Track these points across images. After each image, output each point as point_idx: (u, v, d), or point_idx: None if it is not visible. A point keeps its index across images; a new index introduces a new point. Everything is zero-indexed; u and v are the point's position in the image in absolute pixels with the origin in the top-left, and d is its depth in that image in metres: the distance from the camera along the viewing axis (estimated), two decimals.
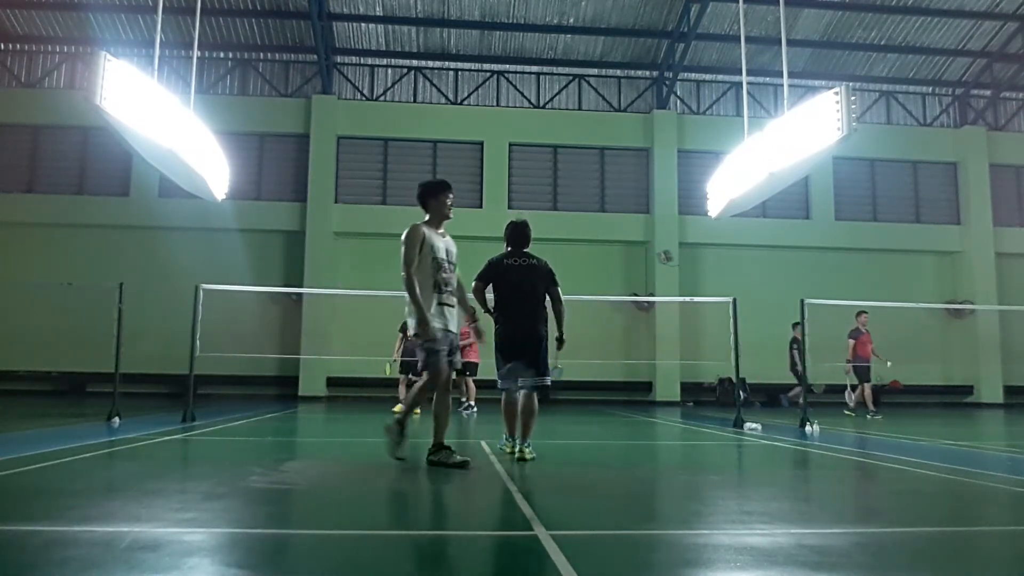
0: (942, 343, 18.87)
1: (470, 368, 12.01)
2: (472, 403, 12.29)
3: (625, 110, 19.42)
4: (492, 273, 5.72)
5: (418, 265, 5.03)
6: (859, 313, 13.11)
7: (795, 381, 13.50)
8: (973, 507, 4.12)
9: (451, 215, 5.34)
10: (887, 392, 17.90)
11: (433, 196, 5.28)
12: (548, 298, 5.73)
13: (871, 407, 12.83)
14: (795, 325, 13.19)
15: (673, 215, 18.46)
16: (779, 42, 9.73)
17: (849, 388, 13.34)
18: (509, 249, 5.84)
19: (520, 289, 5.63)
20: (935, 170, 19.84)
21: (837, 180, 19.08)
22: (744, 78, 10.83)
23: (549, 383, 5.60)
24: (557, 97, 19.36)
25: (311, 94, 18.50)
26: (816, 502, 4.24)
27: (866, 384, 12.92)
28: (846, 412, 12.90)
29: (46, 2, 17.65)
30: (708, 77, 19.65)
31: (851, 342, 12.95)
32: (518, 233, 5.82)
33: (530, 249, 5.87)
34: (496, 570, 2.69)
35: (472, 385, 12.38)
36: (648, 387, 18.15)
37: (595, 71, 19.50)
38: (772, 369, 14.84)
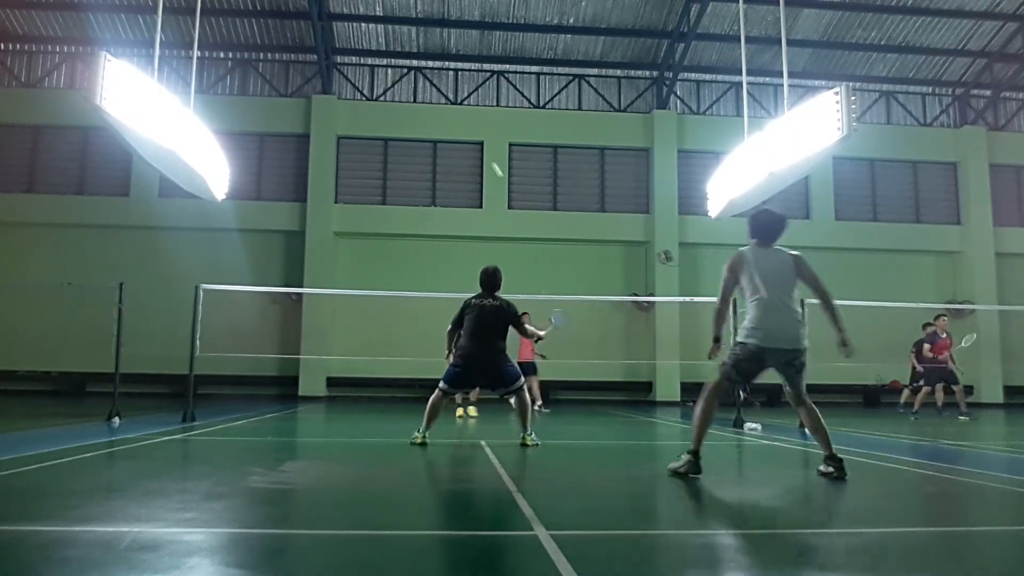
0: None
1: (530, 368, 12.17)
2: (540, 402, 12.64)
3: (625, 110, 19.42)
4: (462, 310, 6.65)
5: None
6: (938, 316, 12.93)
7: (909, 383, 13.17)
8: (973, 507, 4.12)
9: None
10: (887, 392, 17.91)
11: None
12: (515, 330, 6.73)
13: (916, 408, 12.63)
14: (926, 326, 13.15)
15: (673, 215, 18.45)
16: (779, 42, 9.74)
17: (910, 390, 13.17)
18: (480, 292, 6.73)
19: (478, 325, 6.49)
20: (935, 170, 19.83)
21: (837, 180, 19.07)
22: (744, 78, 10.83)
23: (522, 385, 6.56)
24: (557, 97, 19.35)
25: (311, 94, 18.50)
26: (816, 502, 4.24)
27: (928, 387, 12.67)
28: (960, 418, 12.03)
29: (46, 2, 17.64)
30: (708, 77, 19.64)
31: (927, 346, 12.69)
32: (485, 278, 6.74)
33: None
34: (496, 570, 2.69)
35: (535, 385, 12.37)
36: (648, 387, 18.15)
37: (595, 71, 19.50)
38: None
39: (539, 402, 12.63)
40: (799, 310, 4.93)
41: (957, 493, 4.57)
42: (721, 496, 4.32)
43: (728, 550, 2.85)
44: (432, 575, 2.61)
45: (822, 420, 4.80)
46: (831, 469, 4.66)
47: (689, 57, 18.62)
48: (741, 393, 10.57)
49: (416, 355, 12.25)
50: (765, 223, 5.42)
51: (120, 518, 3.25)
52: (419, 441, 6.41)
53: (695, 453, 4.64)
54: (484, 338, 6.48)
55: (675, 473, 4.64)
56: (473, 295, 6.74)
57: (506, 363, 6.54)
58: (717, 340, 5.06)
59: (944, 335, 12.79)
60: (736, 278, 5.09)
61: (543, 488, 4.15)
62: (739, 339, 4.88)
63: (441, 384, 6.56)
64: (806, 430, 5.16)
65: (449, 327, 6.70)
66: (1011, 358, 18.56)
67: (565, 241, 18.30)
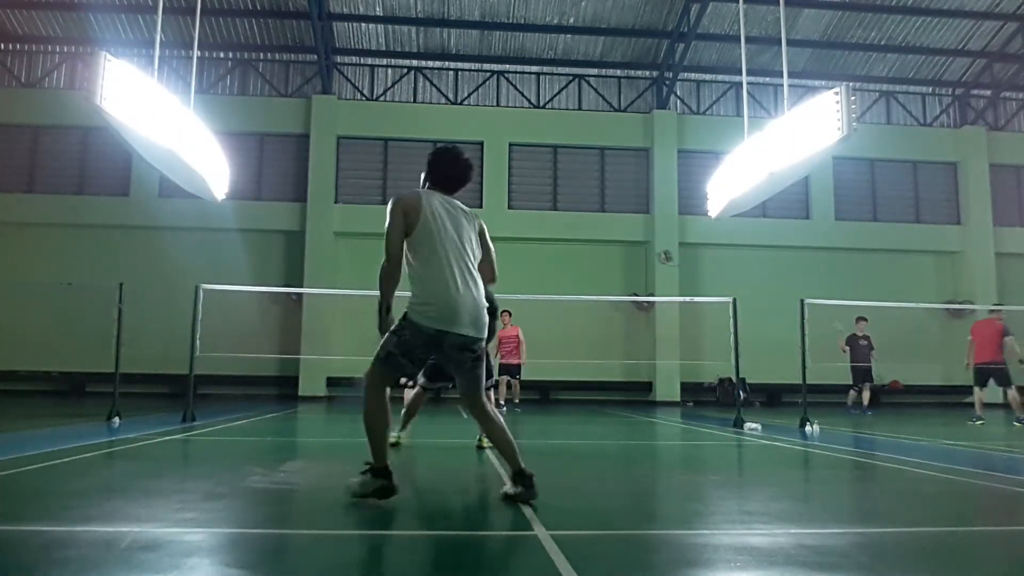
0: (942, 343, 18.85)
1: (512, 370, 13.58)
2: (515, 401, 13.79)
3: (625, 110, 19.42)
4: None
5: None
6: None
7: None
8: (973, 507, 4.12)
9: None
10: (887, 392, 17.91)
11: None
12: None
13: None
14: (858, 319, 13.07)
15: (673, 215, 18.45)
16: (779, 42, 9.74)
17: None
18: None
19: None
20: (935, 170, 19.83)
21: (837, 180, 19.08)
22: (744, 78, 10.83)
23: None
24: (557, 97, 19.35)
25: (311, 94, 18.50)
26: (816, 502, 4.24)
27: None
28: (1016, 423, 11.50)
29: (46, 2, 17.64)
30: (708, 77, 19.64)
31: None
32: None
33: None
34: (496, 570, 2.69)
35: (516, 386, 13.76)
36: (648, 387, 18.15)
37: (595, 71, 19.49)
38: (772, 369, 14.83)
39: (516, 400, 13.92)
40: (481, 285, 3.79)
41: (958, 493, 4.56)
42: (721, 496, 4.32)
43: (728, 550, 2.85)
44: (432, 575, 2.61)
45: (507, 432, 3.82)
46: (519, 489, 3.70)
47: (689, 57, 18.62)
48: (741, 393, 10.58)
49: None
50: (452, 164, 3.97)
51: (120, 518, 3.25)
52: (393, 441, 5.81)
53: (380, 471, 3.62)
54: None
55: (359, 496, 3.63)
56: None
57: None
58: (388, 310, 3.79)
59: None
60: (408, 226, 3.84)
61: (543, 488, 4.14)
62: (410, 317, 3.68)
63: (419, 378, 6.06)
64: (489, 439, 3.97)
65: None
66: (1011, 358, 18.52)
67: (565, 241, 18.28)
